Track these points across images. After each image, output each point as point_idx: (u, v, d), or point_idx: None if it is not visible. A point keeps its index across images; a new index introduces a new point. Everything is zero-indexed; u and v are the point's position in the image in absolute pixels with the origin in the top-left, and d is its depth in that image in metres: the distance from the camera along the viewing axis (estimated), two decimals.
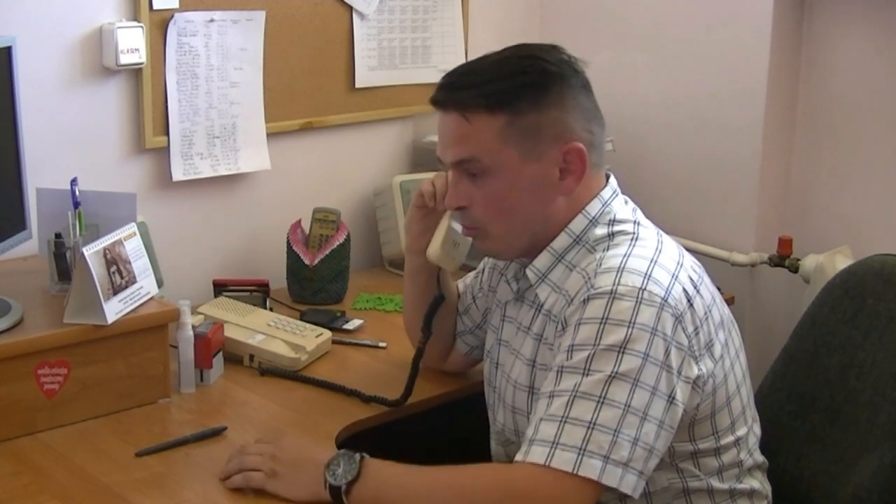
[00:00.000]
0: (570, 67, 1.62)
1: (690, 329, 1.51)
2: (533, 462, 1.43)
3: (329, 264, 2.39)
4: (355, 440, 1.80)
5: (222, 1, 2.32)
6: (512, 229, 1.63)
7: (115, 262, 1.79)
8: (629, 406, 1.43)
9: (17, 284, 1.92)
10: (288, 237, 2.41)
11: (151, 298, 1.88)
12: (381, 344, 2.16)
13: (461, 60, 2.71)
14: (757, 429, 1.70)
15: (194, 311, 2.01)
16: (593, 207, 1.63)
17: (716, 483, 1.61)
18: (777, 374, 1.86)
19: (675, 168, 2.70)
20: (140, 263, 1.86)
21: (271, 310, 2.23)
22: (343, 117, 2.59)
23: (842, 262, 2.30)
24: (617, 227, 1.62)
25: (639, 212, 1.68)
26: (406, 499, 1.49)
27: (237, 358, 2.04)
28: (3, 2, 2.05)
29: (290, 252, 2.40)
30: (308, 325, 2.13)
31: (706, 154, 2.63)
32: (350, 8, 2.54)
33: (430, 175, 1.86)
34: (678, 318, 1.50)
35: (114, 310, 1.78)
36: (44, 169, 2.05)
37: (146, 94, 2.24)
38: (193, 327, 1.92)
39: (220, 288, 2.26)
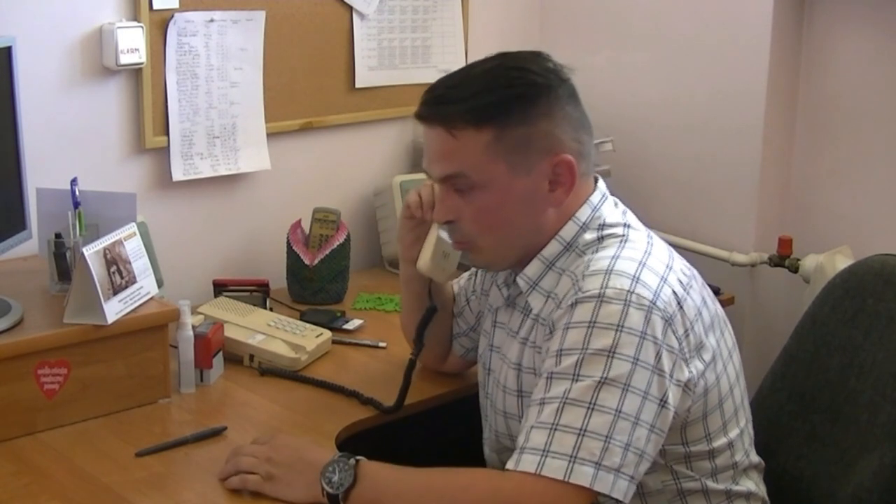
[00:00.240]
0: (557, 76, 1.60)
1: (681, 332, 1.50)
2: (524, 470, 1.42)
3: (329, 264, 2.39)
4: (355, 440, 1.80)
5: (222, 1, 2.32)
6: (502, 243, 1.62)
7: (115, 262, 1.79)
8: (620, 411, 1.42)
9: (17, 284, 1.92)
10: (288, 237, 2.41)
11: (151, 298, 1.88)
12: (381, 344, 2.16)
13: (461, 60, 2.71)
14: (751, 429, 1.70)
15: (194, 311, 2.01)
16: (583, 213, 1.62)
17: (711, 484, 1.61)
18: (777, 374, 1.86)
19: (675, 168, 2.70)
20: (140, 263, 1.86)
21: (271, 310, 2.23)
22: (343, 117, 2.59)
23: (842, 262, 2.30)
24: (607, 231, 1.61)
25: (629, 214, 1.67)
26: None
27: (237, 358, 2.04)
28: (3, 2, 2.05)
29: (290, 252, 2.41)
30: (308, 325, 2.13)
31: (706, 154, 2.63)
32: (350, 8, 2.54)
33: None
34: (668, 321, 1.48)
35: (114, 310, 1.78)
36: (44, 169, 2.05)
37: (146, 94, 2.24)
38: (193, 327, 1.92)
39: (220, 288, 2.26)
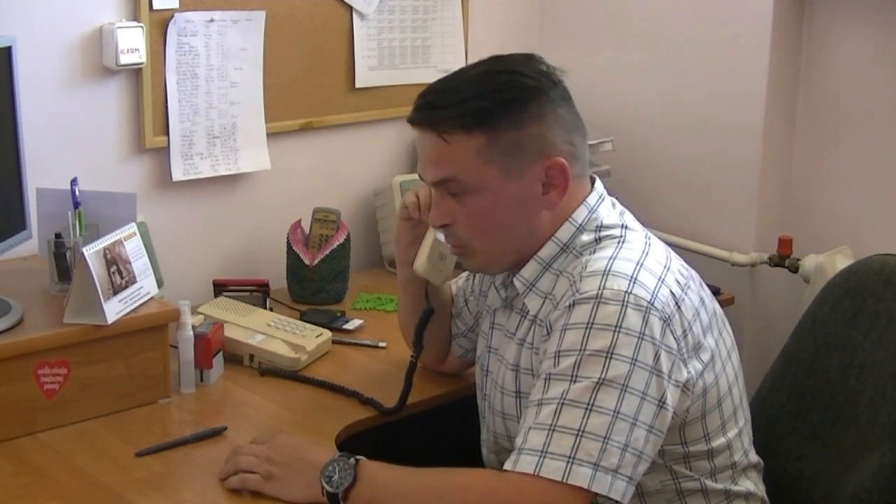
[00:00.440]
0: (549, 79, 1.59)
1: (679, 332, 1.50)
2: (522, 471, 1.42)
3: (329, 264, 2.39)
4: (355, 440, 1.80)
5: (222, 1, 2.32)
6: (497, 246, 1.62)
7: (115, 262, 1.79)
8: (618, 412, 1.42)
9: (17, 284, 1.92)
10: (288, 237, 2.41)
11: (151, 298, 1.88)
12: (381, 344, 2.16)
13: (461, 60, 2.71)
14: (749, 429, 1.70)
15: (194, 311, 2.01)
16: (580, 214, 1.62)
17: (710, 484, 1.61)
18: (777, 374, 1.86)
19: (675, 168, 2.70)
20: (140, 263, 1.86)
21: (271, 310, 2.23)
22: (343, 117, 2.59)
23: (842, 262, 2.30)
24: (604, 233, 1.60)
25: (627, 214, 1.67)
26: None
27: (237, 358, 2.04)
28: (3, 2, 2.05)
29: (290, 252, 2.40)
30: (308, 325, 2.13)
31: (706, 154, 2.63)
32: (350, 8, 2.54)
33: None
34: (666, 322, 1.48)
35: (114, 310, 1.78)
36: (44, 169, 2.05)
37: (146, 94, 2.24)
38: (193, 327, 1.92)
39: (220, 288, 2.26)
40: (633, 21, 2.75)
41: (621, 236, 1.59)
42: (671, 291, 1.52)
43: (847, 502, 1.67)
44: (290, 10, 2.44)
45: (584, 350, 1.45)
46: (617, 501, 1.42)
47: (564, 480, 1.40)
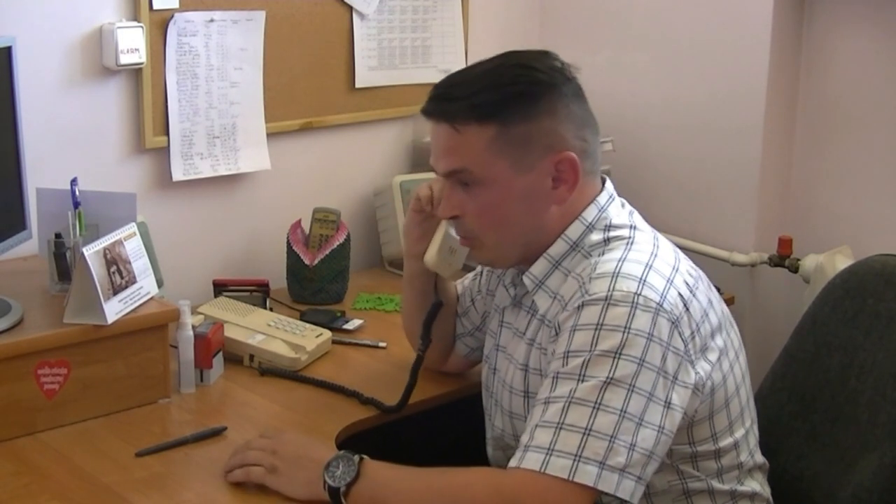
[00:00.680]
0: (562, 75, 1.61)
1: (687, 333, 1.51)
2: (528, 468, 1.42)
3: (329, 264, 2.39)
4: (355, 440, 1.80)
5: (222, 1, 2.32)
6: (505, 239, 1.63)
7: (115, 262, 1.79)
8: (625, 412, 1.43)
9: (17, 284, 1.92)
10: (288, 237, 2.41)
11: (151, 298, 1.88)
12: (381, 344, 2.16)
13: (461, 60, 2.71)
14: (756, 430, 1.70)
15: (194, 311, 2.01)
16: (590, 213, 1.62)
17: (717, 484, 1.61)
18: (777, 374, 1.86)
19: (675, 168, 2.70)
20: (140, 263, 1.86)
21: (271, 310, 2.23)
22: (343, 117, 2.59)
23: (842, 262, 2.30)
24: (613, 233, 1.61)
25: (636, 215, 1.68)
26: (402, 502, 1.49)
27: (237, 358, 2.04)
28: (3, 2, 2.05)
29: (290, 252, 2.40)
30: (308, 325, 2.13)
31: (706, 154, 2.63)
32: (350, 8, 2.54)
33: (431, 175, 1.86)
34: (674, 323, 1.49)
35: (114, 310, 1.78)
36: (44, 169, 2.05)
37: (146, 94, 2.24)
38: (193, 327, 1.92)
39: (220, 288, 2.26)
40: (633, 21, 2.75)
41: (630, 237, 1.60)
42: (679, 293, 1.53)
43: (847, 502, 1.67)
44: (290, 10, 2.44)
45: (594, 350, 1.46)
46: (625, 501, 1.43)
47: (570, 478, 1.40)
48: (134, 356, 1.84)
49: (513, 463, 1.45)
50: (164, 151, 2.30)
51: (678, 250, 1.66)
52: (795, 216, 2.60)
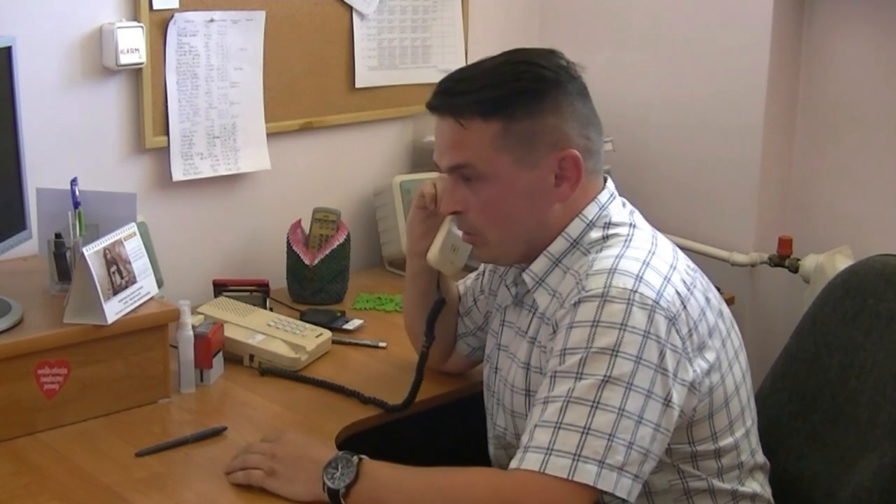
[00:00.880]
0: (567, 73, 1.61)
1: (684, 331, 1.51)
2: (528, 469, 1.42)
3: (329, 264, 2.39)
4: (355, 440, 1.80)
5: (222, 1, 2.32)
6: (507, 236, 1.63)
7: (115, 262, 1.79)
8: (623, 410, 1.43)
9: (17, 284, 1.92)
10: (288, 237, 2.41)
11: (151, 298, 1.88)
12: (381, 344, 2.16)
13: (461, 60, 2.71)
14: (756, 429, 1.70)
15: (194, 311, 2.01)
16: (590, 211, 1.63)
17: (717, 483, 1.61)
18: (777, 374, 1.86)
19: (675, 168, 2.70)
20: (140, 263, 1.86)
21: (271, 310, 2.23)
22: (343, 117, 2.59)
23: (842, 262, 2.30)
24: (612, 231, 1.61)
25: (636, 214, 1.68)
26: (402, 503, 1.49)
27: (237, 358, 2.04)
28: (3, 2, 2.05)
29: (290, 252, 2.40)
30: (308, 325, 2.13)
31: (706, 154, 2.63)
32: (350, 8, 2.54)
33: (431, 175, 1.86)
34: (671, 320, 1.49)
35: (114, 310, 1.78)
36: (44, 169, 2.05)
37: (146, 94, 2.24)
38: (193, 327, 1.92)
39: (220, 288, 2.26)
40: (633, 21, 2.75)
41: (629, 235, 1.60)
42: (677, 291, 1.53)
43: (847, 502, 1.67)
44: (290, 10, 2.44)
45: (590, 348, 1.45)
46: (623, 500, 1.43)
47: (570, 478, 1.40)
48: (134, 356, 1.84)
49: (513, 464, 1.45)
50: (164, 151, 2.30)
51: (677, 249, 1.66)
52: (795, 216, 2.60)
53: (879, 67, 2.40)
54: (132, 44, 2.17)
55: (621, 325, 1.45)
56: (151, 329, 1.85)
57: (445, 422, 1.98)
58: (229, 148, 2.39)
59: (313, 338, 2.08)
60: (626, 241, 1.59)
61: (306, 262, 2.38)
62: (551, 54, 1.63)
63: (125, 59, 2.16)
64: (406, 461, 1.55)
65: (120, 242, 1.82)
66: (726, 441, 1.60)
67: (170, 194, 2.34)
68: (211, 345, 1.93)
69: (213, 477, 1.62)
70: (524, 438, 1.46)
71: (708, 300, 1.60)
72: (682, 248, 2.54)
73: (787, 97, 2.54)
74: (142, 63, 2.20)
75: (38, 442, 1.73)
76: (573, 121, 1.59)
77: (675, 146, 2.69)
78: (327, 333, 2.13)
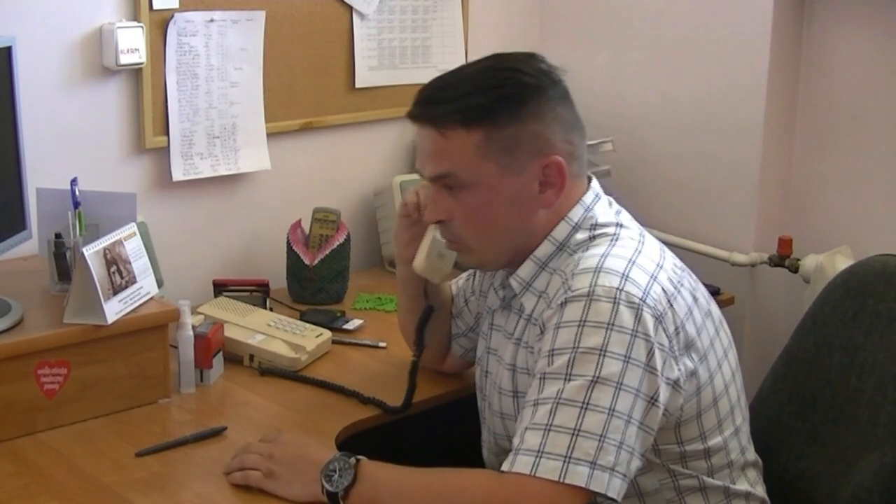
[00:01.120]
0: (549, 78, 1.60)
1: (671, 329, 1.50)
2: (519, 472, 1.42)
3: (329, 264, 2.39)
4: (355, 440, 1.80)
5: (222, 1, 2.32)
6: (493, 243, 1.62)
7: (115, 262, 1.79)
8: (613, 410, 1.42)
9: (17, 284, 1.92)
10: (288, 237, 2.41)
11: (151, 298, 1.88)
12: (381, 344, 2.16)
13: (461, 60, 2.71)
14: (748, 428, 1.70)
15: (194, 311, 2.01)
16: (575, 213, 1.62)
17: (709, 480, 1.60)
18: (778, 374, 1.86)
19: (675, 168, 2.70)
20: (140, 263, 1.86)
21: (271, 310, 2.23)
22: (343, 117, 2.59)
23: (842, 262, 2.30)
24: (598, 231, 1.61)
25: (624, 213, 1.67)
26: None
27: (237, 358, 2.04)
28: (3, 2, 2.05)
29: (290, 252, 2.40)
30: (308, 325, 2.13)
31: (706, 154, 2.64)
32: (350, 8, 2.54)
33: None
34: (658, 319, 1.48)
35: (114, 310, 1.78)
36: (44, 169, 2.05)
37: (146, 94, 2.24)
38: (193, 327, 1.92)
39: (220, 288, 2.26)
40: (633, 21, 2.75)
41: (615, 234, 1.60)
42: (663, 289, 1.52)
43: (847, 502, 1.67)
44: (290, 10, 2.44)
45: (578, 348, 1.45)
46: (612, 499, 1.42)
47: (561, 480, 1.39)
48: (134, 356, 1.84)
49: (505, 467, 1.44)
50: (164, 151, 2.30)
51: (665, 248, 1.65)
52: (795, 216, 2.60)
53: (879, 67, 2.40)
54: (132, 44, 2.17)
55: (608, 324, 1.45)
56: (151, 329, 1.85)
57: (446, 421, 1.98)
58: (229, 148, 2.39)
59: (313, 338, 2.08)
60: (612, 239, 1.58)
61: (306, 262, 2.38)
62: (532, 58, 1.62)
63: (125, 59, 2.16)
64: (406, 461, 1.55)
65: (120, 242, 1.82)
66: (715, 440, 1.60)
67: (170, 194, 2.34)
68: (211, 345, 1.93)
69: (213, 477, 1.62)
70: (515, 441, 1.46)
71: (695, 299, 1.60)
72: (682, 248, 2.57)
73: (787, 97, 2.54)
74: (142, 63, 2.20)
75: (38, 442, 1.73)
76: (556, 126, 1.58)
77: (676, 146, 2.69)
78: (327, 333, 2.13)
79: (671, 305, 1.52)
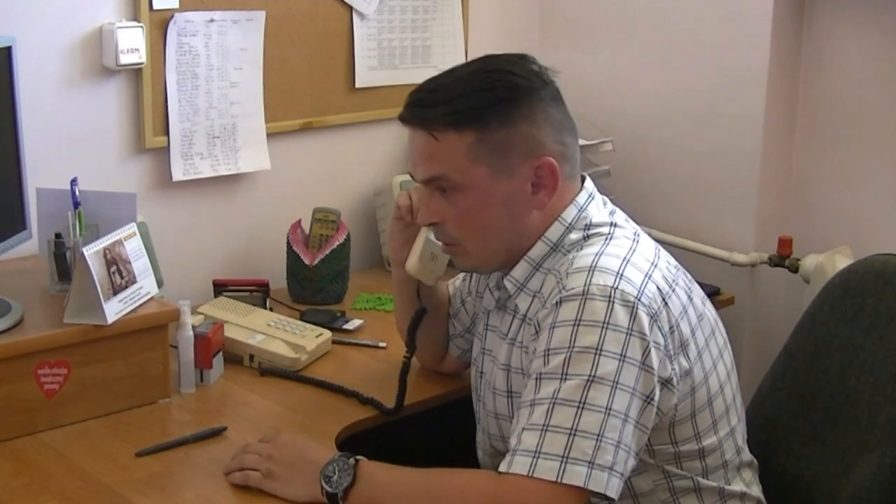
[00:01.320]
0: (540, 79, 1.60)
1: (666, 328, 1.50)
2: (517, 473, 1.42)
3: (329, 264, 2.39)
4: (355, 440, 1.80)
5: (222, 1, 2.32)
6: (486, 245, 1.62)
7: (115, 262, 1.79)
8: (610, 409, 1.42)
9: (17, 284, 1.92)
10: (288, 237, 2.41)
11: (151, 298, 1.88)
12: (381, 344, 2.16)
13: (461, 60, 2.71)
14: (743, 428, 1.70)
15: (194, 311, 2.01)
16: (569, 214, 1.62)
17: (703, 481, 1.60)
18: (777, 373, 1.86)
19: (675, 168, 2.70)
20: (140, 263, 1.86)
21: (271, 310, 2.23)
22: (343, 117, 2.59)
23: (842, 262, 2.30)
24: (592, 231, 1.60)
25: (618, 213, 1.67)
26: None
27: (237, 358, 2.04)
28: (3, 2, 2.05)
29: (290, 252, 2.40)
30: (308, 325, 2.13)
31: (706, 154, 2.63)
32: (350, 8, 2.54)
33: None
34: (653, 317, 1.48)
35: (114, 310, 1.78)
36: (44, 169, 2.05)
37: (146, 94, 2.24)
38: (193, 327, 1.92)
39: (220, 288, 2.26)
40: (632, 22, 2.74)
41: (609, 233, 1.60)
42: (658, 287, 1.52)
43: (847, 502, 1.67)
44: (290, 10, 2.44)
45: (573, 347, 1.45)
46: (609, 499, 1.42)
47: (559, 480, 1.39)
48: (134, 356, 1.84)
49: (502, 468, 1.44)
50: (164, 151, 2.30)
51: (659, 247, 1.65)
52: (795, 216, 2.60)
53: (879, 67, 2.40)
54: (132, 44, 2.17)
55: (603, 323, 1.45)
56: (151, 329, 1.85)
57: (444, 422, 1.98)
58: (229, 148, 2.39)
59: (313, 338, 2.08)
60: (606, 239, 1.58)
61: (306, 262, 2.38)
62: (523, 60, 1.62)
63: (125, 59, 2.16)
64: (405, 461, 1.55)
65: (120, 242, 1.82)
66: (710, 440, 1.59)
67: (170, 194, 2.34)
68: (211, 345, 1.93)
69: (213, 477, 1.62)
70: (512, 441, 1.46)
71: (690, 298, 1.60)
72: (682, 248, 2.57)
73: (787, 97, 2.54)
74: (142, 63, 2.20)
75: (38, 442, 1.73)
76: (548, 127, 1.58)
77: (675, 146, 2.69)
78: (327, 333, 2.13)
79: (666, 304, 1.52)
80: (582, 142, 1.72)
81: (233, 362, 2.03)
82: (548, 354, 1.47)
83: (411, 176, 1.65)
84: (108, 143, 2.24)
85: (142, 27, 2.18)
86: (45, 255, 1.94)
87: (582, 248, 1.57)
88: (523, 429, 1.44)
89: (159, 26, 2.24)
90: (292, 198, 2.53)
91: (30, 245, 1.98)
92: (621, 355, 1.44)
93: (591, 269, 1.50)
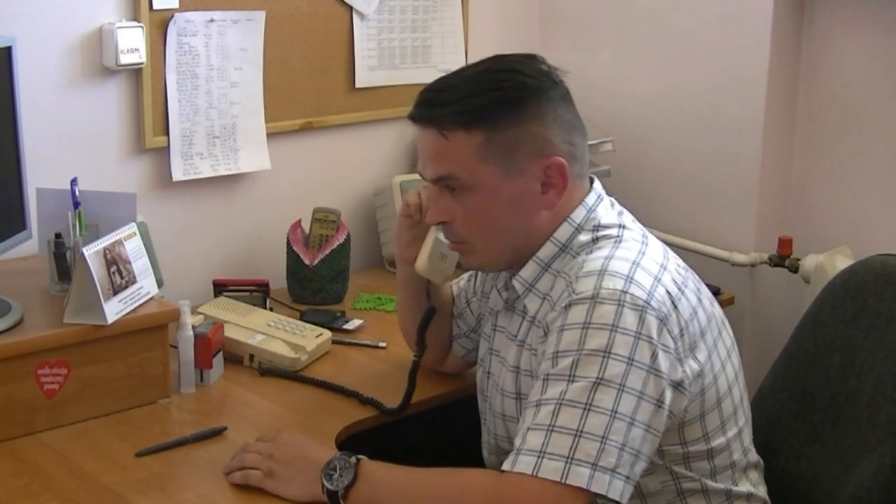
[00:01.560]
0: (549, 79, 1.60)
1: (676, 331, 1.50)
2: (521, 472, 1.42)
3: (329, 264, 2.39)
4: (355, 440, 1.80)
5: (222, 1, 2.32)
6: (495, 244, 1.62)
7: (115, 262, 1.79)
8: (616, 412, 1.42)
9: (17, 284, 1.92)
10: (288, 237, 2.41)
11: (151, 298, 1.88)
12: (381, 344, 2.16)
13: (461, 60, 2.71)
14: (750, 429, 1.70)
15: (194, 311, 2.01)
16: (578, 215, 1.62)
17: (711, 483, 1.60)
18: (777, 374, 1.86)
19: (675, 168, 2.70)
20: (140, 263, 1.86)
21: (271, 310, 2.23)
22: (343, 117, 2.59)
23: (842, 262, 2.30)
24: (601, 233, 1.60)
25: (626, 214, 1.67)
26: None
27: (237, 358, 2.04)
28: (3, 2, 2.05)
29: (290, 252, 2.40)
30: (308, 325, 2.13)
31: (706, 155, 2.64)
32: (350, 8, 2.54)
33: None
34: (663, 321, 1.48)
35: (114, 310, 1.78)
36: (44, 169, 2.05)
37: (146, 94, 2.24)
38: (193, 327, 1.92)
39: (220, 288, 2.26)
40: (633, 22, 2.75)
41: (618, 236, 1.60)
42: (667, 291, 1.52)
43: (847, 502, 1.67)
44: (290, 10, 2.44)
45: (582, 350, 1.45)
46: (615, 501, 1.42)
47: (563, 481, 1.39)
48: (134, 356, 1.84)
49: (506, 466, 1.44)
50: (164, 151, 2.30)
51: (668, 249, 1.65)
52: (795, 216, 2.60)
53: (879, 67, 2.40)
54: (132, 44, 2.17)
55: (612, 326, 1.45)
56: (151, 329, 1.85)
57: (445, 422, 1.98)
58: (229, 148, 2.39)
59: (313, 338, 2.08)
60: (615, 242, 1.58)
61: (306, 262, 2.38)
62: (532, 59, 1.62)
63: (125, 59, 2.16)
64: (406, 461, 1.55)
65: (120, 242, 1.82)
66: (718, 441, 1.60)
67: (170, 194, 2.34)
68: (211, 345, 1.93)
69: (213, 477, 1.62)
70: (517, 441, 1.46)
71: (699, 299, 1.60)
72: (682, 248, 2.57)
73: (787, 97, 2.54)
74: (142, 63, 2.20)
75: (38, 442, 1.73)
76: (557, 127, 1.58)
77: (676, 146, 2.69)
78: (327, 333, 2.13)
79: (675, 307, 1.52)
80: None
81: (233, 362, 2.03)
82: (556, 356, 1.47)
83: (420, 175, 1.65)
84: (108, 143, 2.24)
85: (142, 27, 2.18)
86: (45, 255, 1.94)
87: (592, 252, 1.57)
88: (528, 428, 1.45)
89: (159, 26, 2.24)
90: (292, 198, 2.53)
91: (30, 245, 1.98)
92: (629, 359, 1.44)
93: (601, 273, 1.50)
